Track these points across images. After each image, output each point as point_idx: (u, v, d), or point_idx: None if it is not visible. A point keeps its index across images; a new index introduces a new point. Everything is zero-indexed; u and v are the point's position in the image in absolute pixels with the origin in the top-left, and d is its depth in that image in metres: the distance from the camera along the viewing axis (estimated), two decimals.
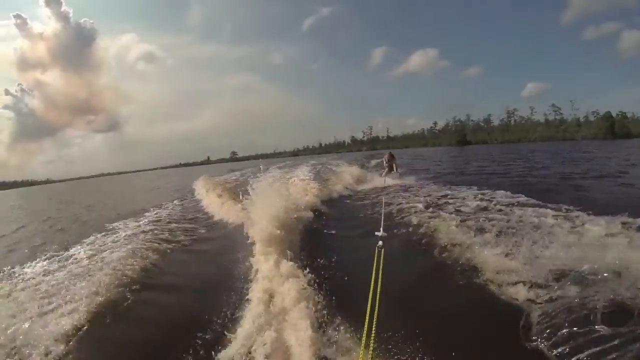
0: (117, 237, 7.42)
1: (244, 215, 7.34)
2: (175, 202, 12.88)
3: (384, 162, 14.12)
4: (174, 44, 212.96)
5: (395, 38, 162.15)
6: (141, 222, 8.93)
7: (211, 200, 11.44)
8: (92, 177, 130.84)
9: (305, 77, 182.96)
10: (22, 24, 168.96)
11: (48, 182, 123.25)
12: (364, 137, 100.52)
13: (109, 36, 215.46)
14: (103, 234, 7.79)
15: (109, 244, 6.81)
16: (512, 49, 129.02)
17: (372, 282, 3.02)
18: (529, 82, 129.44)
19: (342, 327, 3.15)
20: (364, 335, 2.30)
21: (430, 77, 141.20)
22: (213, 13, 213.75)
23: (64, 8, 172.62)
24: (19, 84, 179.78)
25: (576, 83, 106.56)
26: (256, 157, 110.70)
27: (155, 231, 7.65)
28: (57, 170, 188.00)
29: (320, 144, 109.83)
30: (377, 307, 2.64)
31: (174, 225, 8.37)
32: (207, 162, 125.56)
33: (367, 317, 2.47)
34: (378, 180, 13.11)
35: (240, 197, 8.70)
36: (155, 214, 10.27)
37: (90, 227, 9.26)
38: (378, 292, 2.87)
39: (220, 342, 3.11)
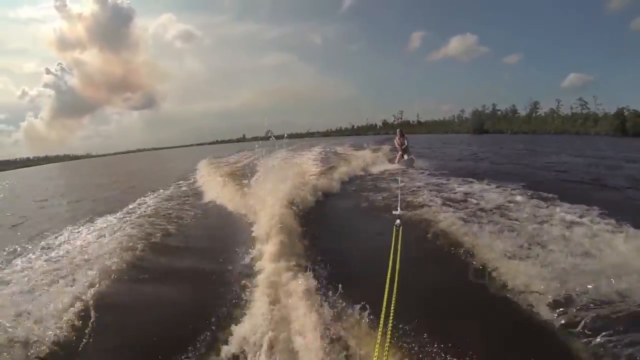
0: (114, 222, 7.47)
1: (249, 197, 7.45)
2: (178, 184, 13.21)
3: (396, 144, 14.34)
4: (211, 23, 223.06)
5: (434, 22, 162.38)
6: (142, 206, 9.05)
7: (215, 184, 11.44)
8: (129, 152, 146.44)
9: (343, 58, 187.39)
10: (61, 6, 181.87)
11: (88, 156, 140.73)
12: (394, 121, 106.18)
13: (146, 16, 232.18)
14: (102, 218, 8.01)
15: (105, 230, 6.77)
16: (555, 37, 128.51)
17: (391, 260, 3.08)
18: (571, 73, 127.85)
19: (358, 306, 3.25)
20: (382, 314, 2.32)
21: (468, 63, 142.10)
22: None
23: None
24: (58, 63, 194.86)
25: (621, 76, 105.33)
26: (290, 136, 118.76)
27: (153, 218, 7.67)
28: (94, 145, 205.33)
29: (352, 126, 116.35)
30: (395, 285, 2.68)
31: (172, 210, 8.44)
32: (243, 139, 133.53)
33: (385, 296, 2.52)
34: (391, 165, 13.52)
35: (246, 179, 9.20)
36: (157, 197, 10.47)
37: (98, 207, 10.10)
38: (397, 270, 2.91)
39: (227, 327, 3.25)
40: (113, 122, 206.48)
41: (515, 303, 3.43)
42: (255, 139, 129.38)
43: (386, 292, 2.55)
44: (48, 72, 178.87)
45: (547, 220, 5.55)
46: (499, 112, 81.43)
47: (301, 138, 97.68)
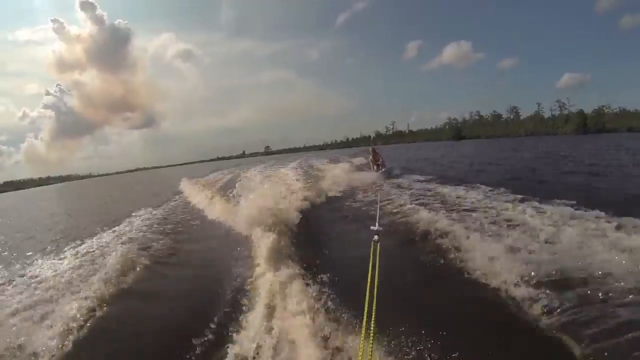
0: (116, 236, 8.37)
1: (235, 214, 8.07)
2: (166, 203, 13.83)
3: (370, 161, 15.38)
4: (208, 42, 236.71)
5: (429, 31, 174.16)
6: (138, 223, 9.88)
7: (201, 202, 12.41)
8: (129, 171, 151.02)
9: (339, 72, 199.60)
10: (59, 28, 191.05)
11: (90, 176, 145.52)
12: (387, 131, 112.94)
13: (144, 36, 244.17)
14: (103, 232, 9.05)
15: (106, 245, 7.61)
16: (547, 39, 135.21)
17: (370, 276, 3.17)
18: (565, 73, 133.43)
19: (341, 321, 3.55)
20: (363, 328, 2.45)
21: (464, 69, 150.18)
22: (245, 9, 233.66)
23: (98, 11, 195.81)
24: (57, 84, 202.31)
25: (613, 72, 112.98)
26: (288, 150, 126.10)
27: (151, 232, 8.51)
28: (94, 165, 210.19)
29: (347, 139, 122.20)
30: (374, 301, 2.76)
31: (167, 226, 9.19)
32: (243, 155, 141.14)
33: (365, 311, 2.63)
34: (369, 177, 13.83)
35: (230, 197, 10.04)
36: (150, 214, 11.26)
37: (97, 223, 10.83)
38: (375, 286, 3.01)
39: (221, 342, 3.48)
40: (113, 142, 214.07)
41: (492, 308, 3.69)
42: (255, 154, 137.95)
43: (366, 307, 2.64)
44: (47, 93, 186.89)
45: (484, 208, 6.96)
46: (485, 118, 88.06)
47: (297, 152, 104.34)
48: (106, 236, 8.68)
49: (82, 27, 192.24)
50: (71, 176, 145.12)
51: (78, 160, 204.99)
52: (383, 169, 14.47)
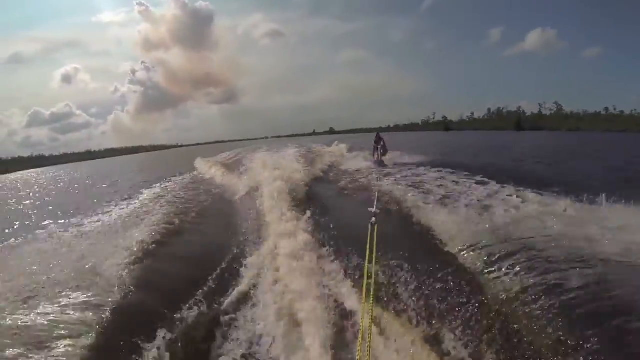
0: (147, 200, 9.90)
1: (244, 187, 9.18)
2: (183, 175, 15.83)
3: (373, 145, 15.56)
4: (291, 19, 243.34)
5: (512, 17, 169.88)
6: (166, 189, 11.60)
7: (216, 175, 13.91)
8: (209, 143, 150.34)
9: (419, 55, 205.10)
10: (144, 11, 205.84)
11: (177, 146, 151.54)
12: (428, 120, 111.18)
13: (225, 15, 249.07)
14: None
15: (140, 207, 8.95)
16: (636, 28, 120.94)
17: (367, 257, 3.25)
18: None
19: (341, 297, 3.58)
20: (362, 309, 2.53)
21: (546, 57, 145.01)
22: None
23: None
24: (142, 62, 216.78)
25: None
26: (348, 132, 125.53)
27: (173, 201, 9.39)
28: (173, 137, 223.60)
29: (397, 125, 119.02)
30: (373, 280, 2.86)
31: (185, 195, 10.28)
32: (313, 134, 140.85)
33: (364, 290, 2.69)
34: (370, 162, 14.39)
35: (239, 172, 12.02)
36: (170, 185, 12.95)
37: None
38: (373, 266, 3.13)
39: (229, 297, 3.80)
40: (193, 115, 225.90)
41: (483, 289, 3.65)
42: (325, 133, 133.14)
43: (364, 286, 2.72)
44: (133, 70, 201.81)
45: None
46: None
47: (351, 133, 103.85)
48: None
49: (166, 8, 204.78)
50: (165, 145, 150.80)
51: (159, 132, 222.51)
52: (382, 157, 14.48)
